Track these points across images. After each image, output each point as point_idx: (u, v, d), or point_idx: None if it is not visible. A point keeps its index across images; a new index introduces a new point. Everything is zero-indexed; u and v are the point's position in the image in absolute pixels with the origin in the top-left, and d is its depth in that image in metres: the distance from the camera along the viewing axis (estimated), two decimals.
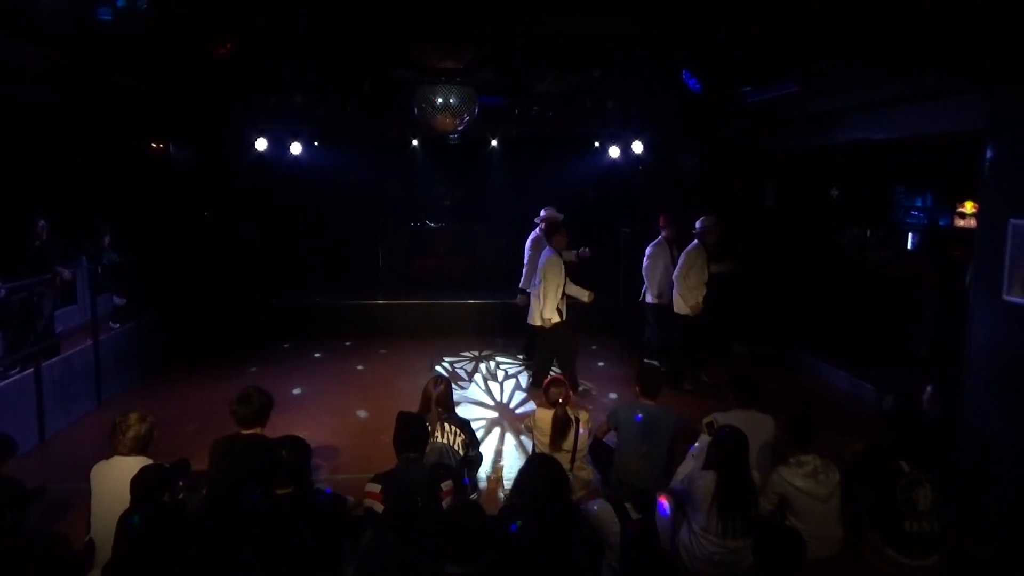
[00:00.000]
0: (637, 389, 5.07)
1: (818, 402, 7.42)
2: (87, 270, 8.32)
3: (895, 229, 10.36)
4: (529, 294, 7.95)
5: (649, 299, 8.23)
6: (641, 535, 3.79)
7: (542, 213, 8.38)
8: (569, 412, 4.97)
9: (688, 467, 4.54)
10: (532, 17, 4.29)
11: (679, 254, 8.01)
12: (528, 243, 8.49)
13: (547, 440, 4.97)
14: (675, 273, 7.71)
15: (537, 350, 7.85)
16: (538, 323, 7.46)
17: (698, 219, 7.82)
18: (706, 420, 4.79)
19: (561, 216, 8.22)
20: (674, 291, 7.77)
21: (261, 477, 3.70)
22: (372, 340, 9.95)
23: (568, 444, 4.93)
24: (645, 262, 8.20)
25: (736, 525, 3.89)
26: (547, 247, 7.56)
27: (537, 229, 8.40)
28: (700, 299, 7.63)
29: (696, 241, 7.74)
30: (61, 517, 4.82)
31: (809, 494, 4.24)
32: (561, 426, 4.90)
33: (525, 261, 8.47)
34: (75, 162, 9.40)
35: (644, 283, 8.26)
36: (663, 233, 8.20)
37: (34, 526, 4.13)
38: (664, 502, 4.24)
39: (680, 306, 7.71)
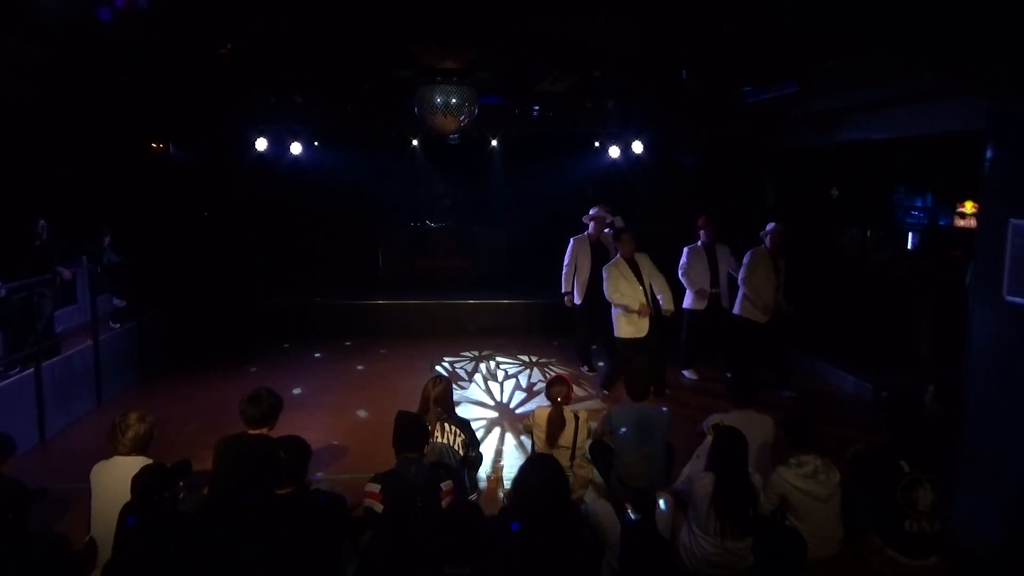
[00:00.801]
0: (626, 393, 5.10)
1: (818, 402, 7.42)
2: (87, 270, 8.32)
3: (895, 229, 10.36)
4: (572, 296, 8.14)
5: (686, 303, 8.01)
6: (641, 535, 3.79)
7: (591, 212, 8.21)
8: (566, 411, 4.98)
9: (691, 467, 4.55)
10: (532, 17, 4.30)
11: (718, 256, 7.94)
12: (571, 245, 8.25)
13: (545, 438, 4.98)
14: (740, 275, 7.52)
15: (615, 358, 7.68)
16: (625, 336, 7.28)
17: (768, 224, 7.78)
18: (712, 422, 4.80)
19: (608, 216, 8.07)
20: (740, 294, 7.65)
21: (264, 477, 3.70)
22: (372, 340, 9.95)
23: (566, 441, 4.93)
24: (682, 266, 7.97)
25: (734, 526, 3.89)
26: (616, 255, 7.46)
27: (586, 232, 8.22)
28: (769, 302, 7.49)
29: (762, 246, 7.64)
30: (61, 517, 4.81)
31: (809, 494, 4.24)
32: (555, 424, 4.90)
33: (566, 262, 8.21)
34: (75, 162, 9.40)
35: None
36: (702, 235, 7.97)
37: (34, 526, 4.13)
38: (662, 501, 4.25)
39: (750, 311, 7.57)
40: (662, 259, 8.42)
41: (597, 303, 7.76)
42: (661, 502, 4.24)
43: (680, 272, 8.00)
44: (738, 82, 7.14)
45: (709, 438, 4.65)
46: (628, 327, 7.24)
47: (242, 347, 9.51)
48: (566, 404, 5.01)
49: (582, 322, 8.40)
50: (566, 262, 8.25)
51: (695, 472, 4.28)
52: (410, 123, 7.62)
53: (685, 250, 8.04)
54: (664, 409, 5.15)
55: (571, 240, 8.30)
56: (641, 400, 4.98)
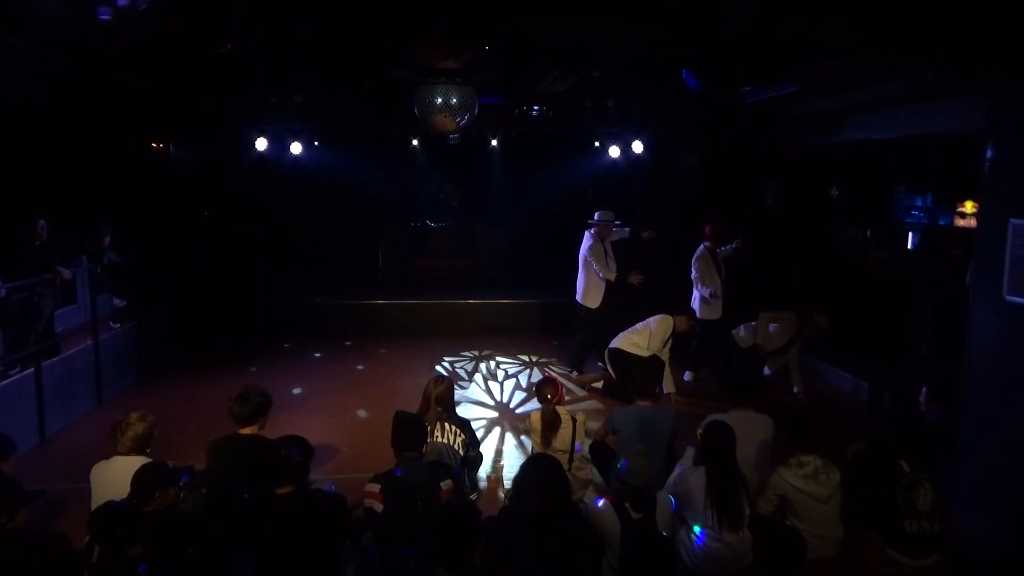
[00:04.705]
0: (633, 391, 5.12)
1: (818, 402, 7.41)
2: (87, 270, 8.31)
3: (895, 229, 10.34)
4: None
5: (701, 314, 7.90)
6: (641, 534, 3.79)
7: (596, 216, 8.23)
8: (563, 412, 4.98)
9: (679, 471, 4.57)
10: (532, 17, 4.30)
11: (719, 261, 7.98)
12: (586, 244, 8.23)
13: (540, 439, 4.98)
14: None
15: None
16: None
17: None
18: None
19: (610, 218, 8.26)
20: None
21: (258, 477, 3.69)
22: (372, 340, 9.95)
23: (562, 444, 4.92)
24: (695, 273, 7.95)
25: (731, 517, 3.91)
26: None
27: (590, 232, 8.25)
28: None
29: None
30: (61, 517, 4.82)
31: (810, 495, 4.24)
32: (549, 424, 4.90)
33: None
34: (75, 162, 9.39)
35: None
36: (708, 242, 7.97)
37: (34, 526, 4.13)
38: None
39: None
40: (661, 260, 8.41)
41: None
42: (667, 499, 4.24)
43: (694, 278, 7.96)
44: (738, 82, 7.14)
45: (689, 449, 4.71)
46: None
47: (242, 347, 9.51)
48: (558, 403, 5.01)
49: (591, 325, 8.17)
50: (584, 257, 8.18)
51: (686, 469, 4.30)
52: (410, 123, 7.60)
53: (696, 256, 7.97)
54: (669, 412, 5.15)
55: (586, 234, 8.27)
56: (648, 400, 4.99)
